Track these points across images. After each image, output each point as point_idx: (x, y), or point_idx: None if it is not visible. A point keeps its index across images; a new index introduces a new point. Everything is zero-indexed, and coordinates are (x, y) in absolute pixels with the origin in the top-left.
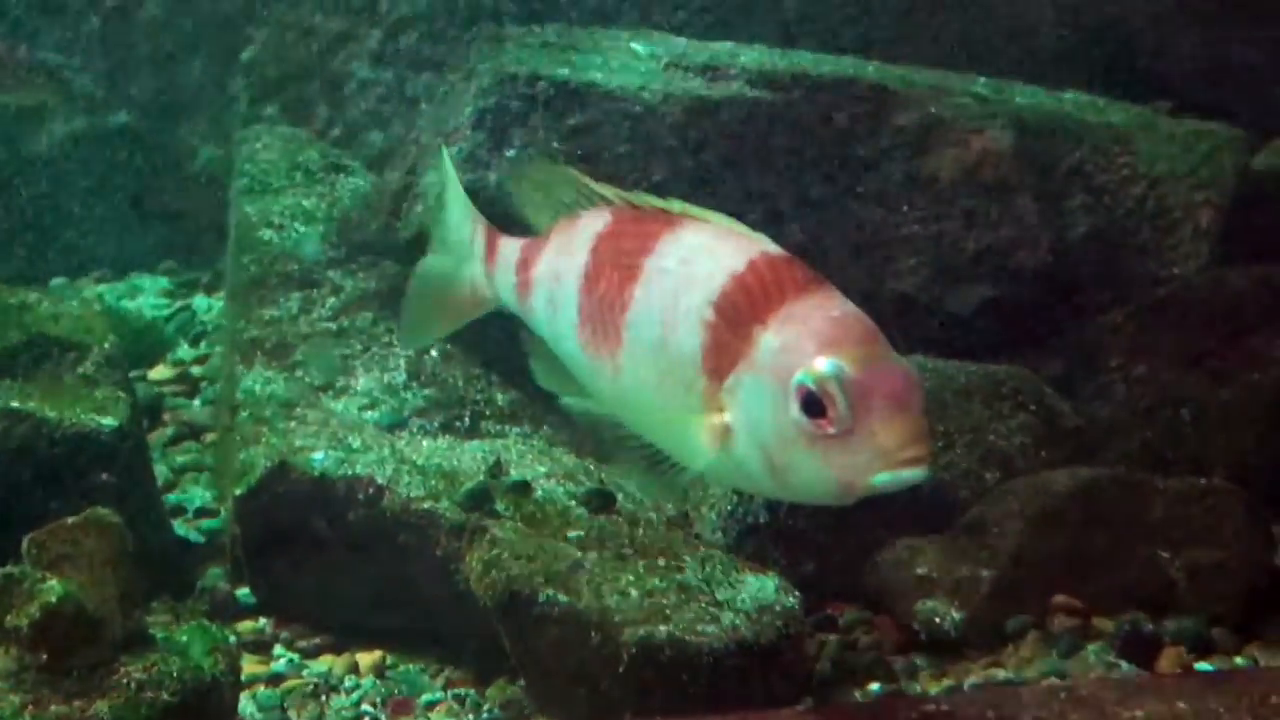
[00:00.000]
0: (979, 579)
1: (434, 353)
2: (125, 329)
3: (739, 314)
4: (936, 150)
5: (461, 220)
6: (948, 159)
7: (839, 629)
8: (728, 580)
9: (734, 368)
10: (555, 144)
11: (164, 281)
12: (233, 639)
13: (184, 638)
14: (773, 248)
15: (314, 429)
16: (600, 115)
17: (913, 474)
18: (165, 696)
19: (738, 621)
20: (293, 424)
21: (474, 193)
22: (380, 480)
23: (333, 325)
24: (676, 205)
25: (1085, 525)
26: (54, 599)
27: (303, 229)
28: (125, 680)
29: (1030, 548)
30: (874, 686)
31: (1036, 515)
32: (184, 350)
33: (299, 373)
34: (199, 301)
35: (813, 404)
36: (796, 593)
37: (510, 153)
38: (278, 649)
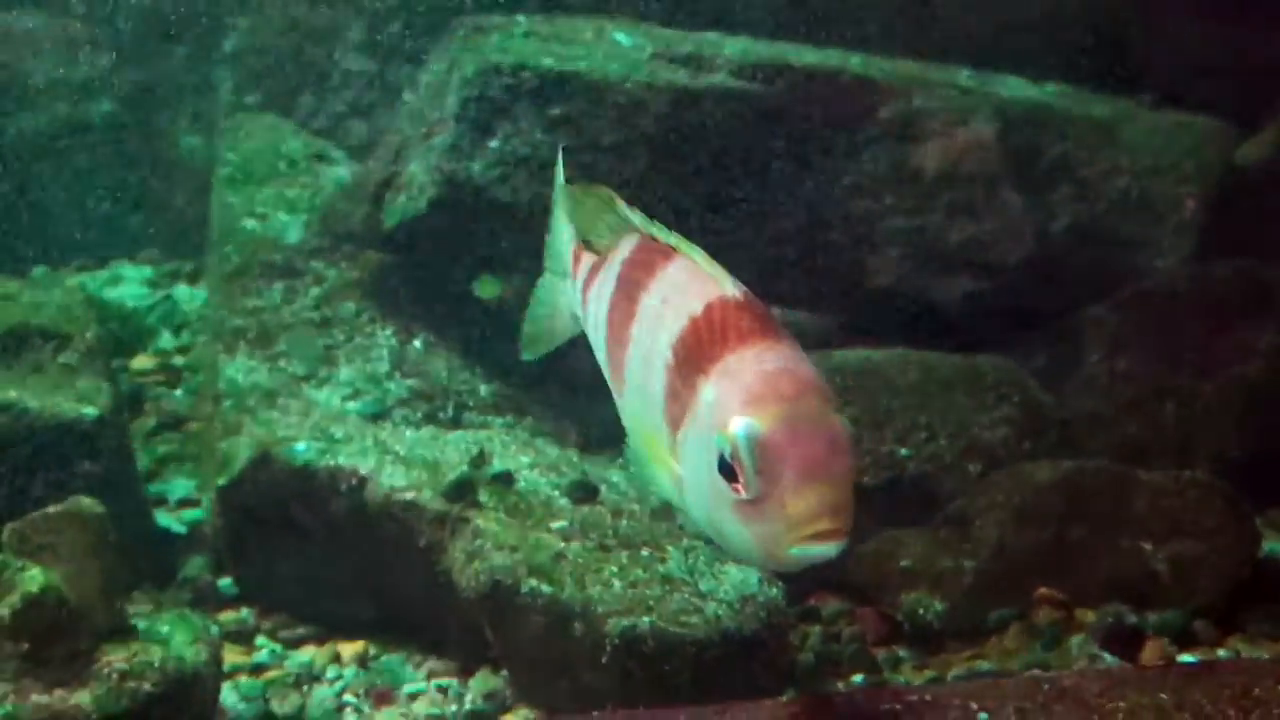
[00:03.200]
0: (962, 571)
1: (417, 343)
2: (107, 318)
3: (690, 362)
4: (920, 142)
5: (563, 234)
6: (931, 151)
7: (822, 620)
8: (711, 571)
9: (682, 419)
10: (539, 134)
11: (146, 271)
12: (215, 629)
13: (166, 628)
14: (732, 289)
15: (296, 419)
16: (584, 105)
17: (822, 550)
18: (147, 686)
19: (721, 612)
20: (275, 414)
21: (457, 183)
22: (363, 471)
23: (315, 315)
24: (663, 234)
25: (1068, 517)
26: (35, 588)
27: (285, 218)
28: (107, 670)
29: (1013, 540)
30: (857, 678)
31: (1019, 507)
32: (166, 340)
33: (281, 362)
34: (181, 291)
35: (726, 468)
36: (780, 584)
37: (494, 143)
38: (260, 639)
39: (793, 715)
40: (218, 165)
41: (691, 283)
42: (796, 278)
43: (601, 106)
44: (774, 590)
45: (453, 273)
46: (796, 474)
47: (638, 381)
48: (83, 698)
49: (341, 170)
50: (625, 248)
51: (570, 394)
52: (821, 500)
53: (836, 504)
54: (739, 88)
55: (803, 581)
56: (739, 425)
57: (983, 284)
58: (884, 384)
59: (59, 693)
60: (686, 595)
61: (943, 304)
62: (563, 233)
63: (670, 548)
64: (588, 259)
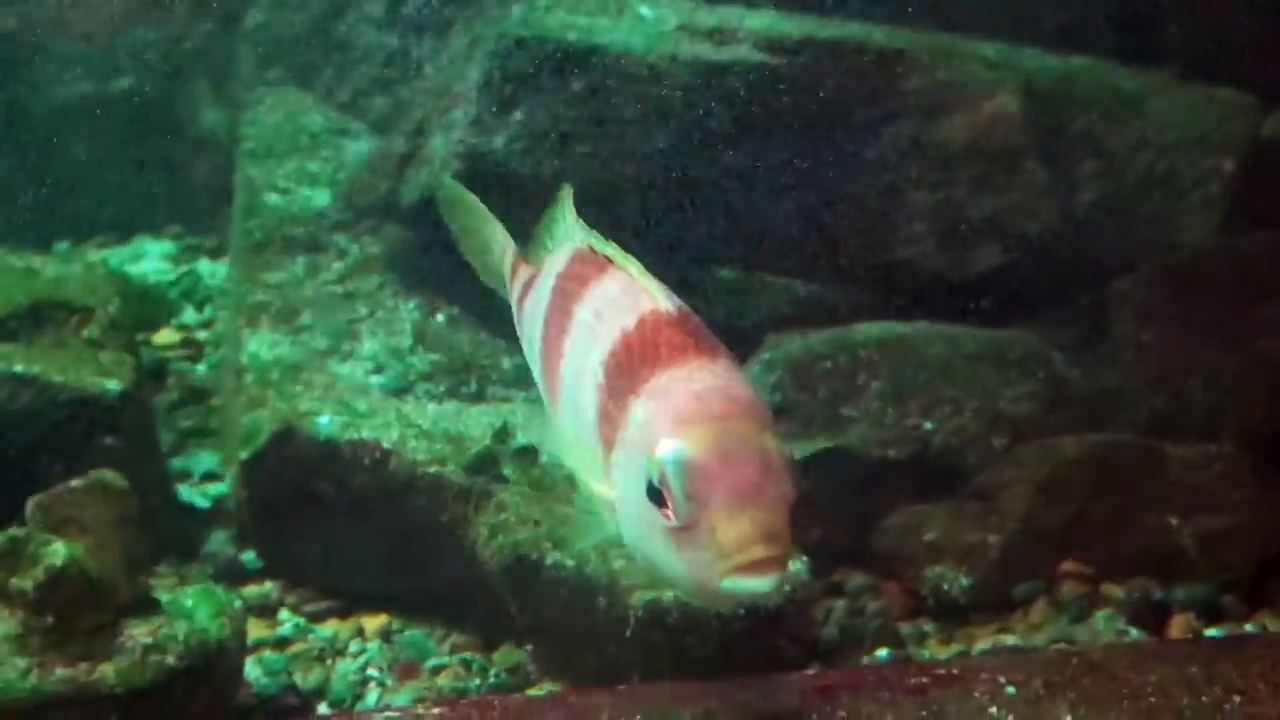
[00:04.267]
0: (987, 545)
1: (440, 317)
2: (129, 293)
3: (621, 381)
4: (945, 115)
5: (498, 245)
6: (956, 124)
7: (846, 594)
8: None
9: (613, 441)
10: (562, 108)
11: (168, 245)
12: (239, 603)
13: (190, 601)
14: (665, 303)
15: (319, 393)
16: (607, 79)
17: (756, 584)
18: (171, 660)
19: None
20: (298, 388)
21: (480, 156)
22: (386, 444)
23: (338, 289)
24: (599, 244)
25: (1094, 492)
26: (59, 562)
27: (308, 192)
28: (131, 643)
29: (1039, 514)
30: (882, 652)
31: (1045, 481)
32: (189, 314)
33: (304, 337)
34: (203, 266)
35: (656, 492)
36: (804, 558)
37: (516, 116)
38: (283, 613)
39: (820, 688)
40: (240, 140)
41: (624, 296)
42: (820, 251)
43: (624, 80)
44: (799, 565)
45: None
46: (727, 499)
47: (571, 399)
48: (106, 671)
49: (363, 144)
50: (561, 259)
51: None
52: (754, 527)
53: (770, 531)
54: (763, 60)
55: (826, 555)
56: (667, 448)
57: (1008, 258)
58: (908, 358)
59: (83, 666)
60: None
61: (967, 278)
62: (497, 244)
63: None
64: (524, 271)
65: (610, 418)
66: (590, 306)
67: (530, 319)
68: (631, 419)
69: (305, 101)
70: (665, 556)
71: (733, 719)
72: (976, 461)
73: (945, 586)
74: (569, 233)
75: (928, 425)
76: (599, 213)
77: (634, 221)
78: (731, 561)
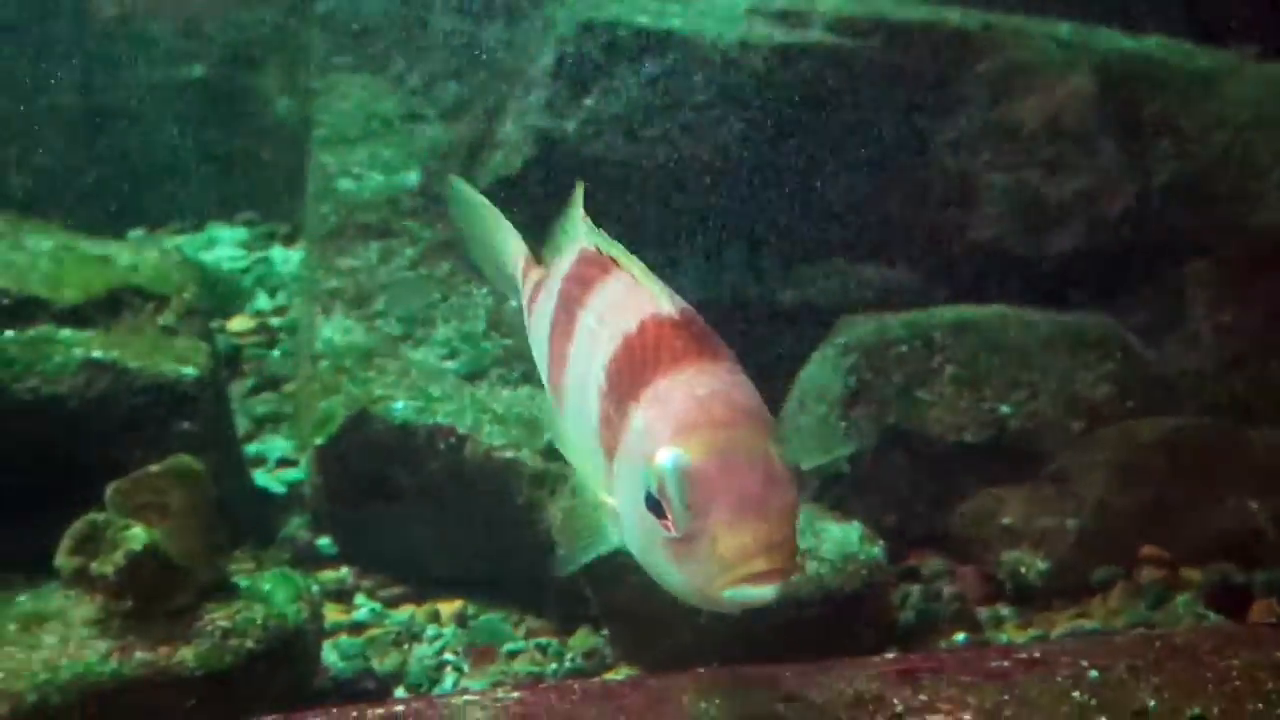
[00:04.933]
0: (1065, 529)
1: (514, 303)
2: (204, 280)
3: (622, 386)
4: (1018, 97)
5: (508, 248)
6: (1030, 105)
7: (922, 579)
8: (811, 529)
9: (614, 449)
10: (634, 92)
11: (242, 233)
12: (315, 588)
13: (268, 586)
14: (668, 306)
15: (394, 378)
16: (680, 63)
17: (758, 592)
18: (250, 644)
19: (822, 571)
20: (372, 373)
21: (552, 140)
22: (461, 429)
23: (412, 274)
24: (605, 245)
25: (1172, 475)
26: (138, 546)
27: (380, 178)
28: (210, 627)
29: (1116, 498)
30: (959, 637)
31: (1122, 465)
32: (262, 301)
33: (379, 322)
34: (276, 253)
35: (655, 502)
36: (881, 542)
37: (589, 101)
38: (359, 598)
39: (900, 671)
40: (312, 126)
41: (628, 300)
42: (894, 235)
43: (697, 64)
44: (875, 549)
45: (547, 231)
46: (728, 510)
47: (575, 405)
48: (186, 655)
49: (436, 130)
50: (567, 261)
51: None
52: (756, 538)
53: (772, 542)
54: (835, 43)
55: (902, 539)
56: (666, 457)
57: (1083, 240)
58: (983, 341)
59: (163, 650)
60: None
61: (1042, 260)
62: (508, 246)
63: None
64: (534, 274)
65: (612, 424)
66: (594, 310)
67: (538, 323)
68: (631, 426)
69: (377, 87)
70: (666, 567)
71: (813, 702)
72: (1053, 445)
73: (1022, 570)
74: (577, 233)
75: (1004, 409)
76: (670, 198)
77: (706, 207)
78: (732, 574)
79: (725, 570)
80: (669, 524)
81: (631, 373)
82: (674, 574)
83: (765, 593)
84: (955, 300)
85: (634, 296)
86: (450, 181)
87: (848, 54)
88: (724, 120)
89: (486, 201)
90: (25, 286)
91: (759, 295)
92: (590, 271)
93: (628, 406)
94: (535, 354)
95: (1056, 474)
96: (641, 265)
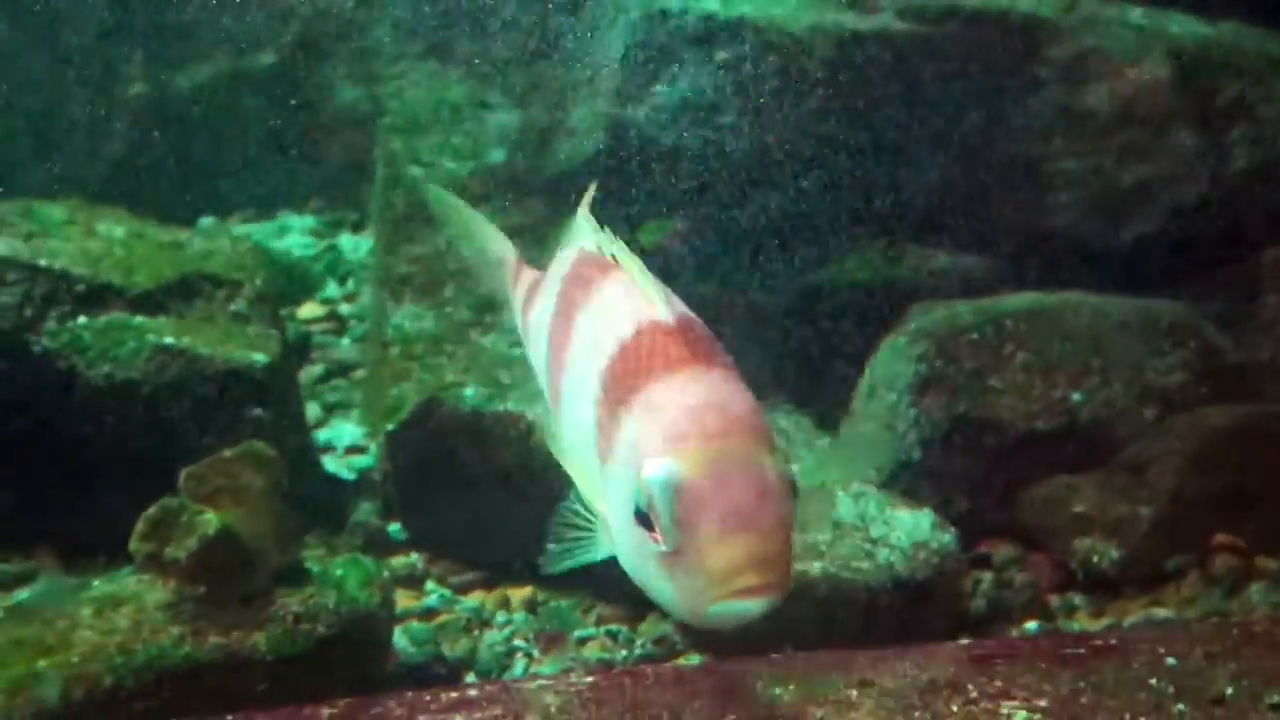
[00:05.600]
0: (1138, 517)
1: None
2: (274, 268)
3: (616, 393)
4: (1091, 83)
5: (497, 249)
6: (1103, 91)
7: (993, 567)
8: (882, 517)
9: (606, 456)
10: (705, 78)
11: (311, 220)
12: (386, 573)
13: (339, 571)
14: (664, 310)
15: (464, 365)
16: (750, 49)
17: (747, 606)
18: (322, 629)
19: (893, 559)
20: (443, 360)
21: (623, 127)
22: (531, 416)
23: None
24: (606, 244)
25: (1246, 463)
26: (212, 531)
27: (451, 165)
28: (282, 612)
29: (1190, 486)
30: (1030, 625)
31: (1196, 453)
32: (332, 289)
33: (448, 309)
34: (345, 240)
35: (644, 515)
36: (952, 529)
37: (659, 88)
38: (429, 584)
39: (976, 658)
40: (381, 114)
41: (625, 302)
42: (965, 221)
43: (767, 50)
44: (947, 536)
45: (618, 218)
46: (717, 524)
47: (571, 410)
48: (258, 640)
49: (505, 117)
50: (566, 262)
51: (743, 338)
52: (747, 554)
53: (764, 557)
54: (905, 29)
55: (973, 527)
56: (655, 469)
57: (1157, 227)
58: (1055, 328)
59: (235, 634)
60: (857, 541)
61: (1115, 247)
62: (496, 249)
63: (840, 493)
64: (528, 275)
65: (606, 431)
66: (592, 313)
67: (536, 326)
68: (622, 435)
69: (446, 75)
70: (654, 580)
71: (886, 687)
72: (1126, 433)
73: (1095, 559)
74: (578, 233)
75: (1076, 396)
76: (740, 185)
77: (776, 194)
78: (720, 590)
79: (713, 585)
80: (657, 537)
81: (625, 379)
82: (662, 588)
83: (751, 608)
84: (1027, 287)
85: (631, 300)
86: (429, 191)
87: (919, 40)
88: (794, 107)
89: (468, 207)
90: (98, 273)
91: (829, 282)
92: (590, 273)
93: (620, 414)
94: (532, 357)
95: (1129, 462)
96: (641, 267)
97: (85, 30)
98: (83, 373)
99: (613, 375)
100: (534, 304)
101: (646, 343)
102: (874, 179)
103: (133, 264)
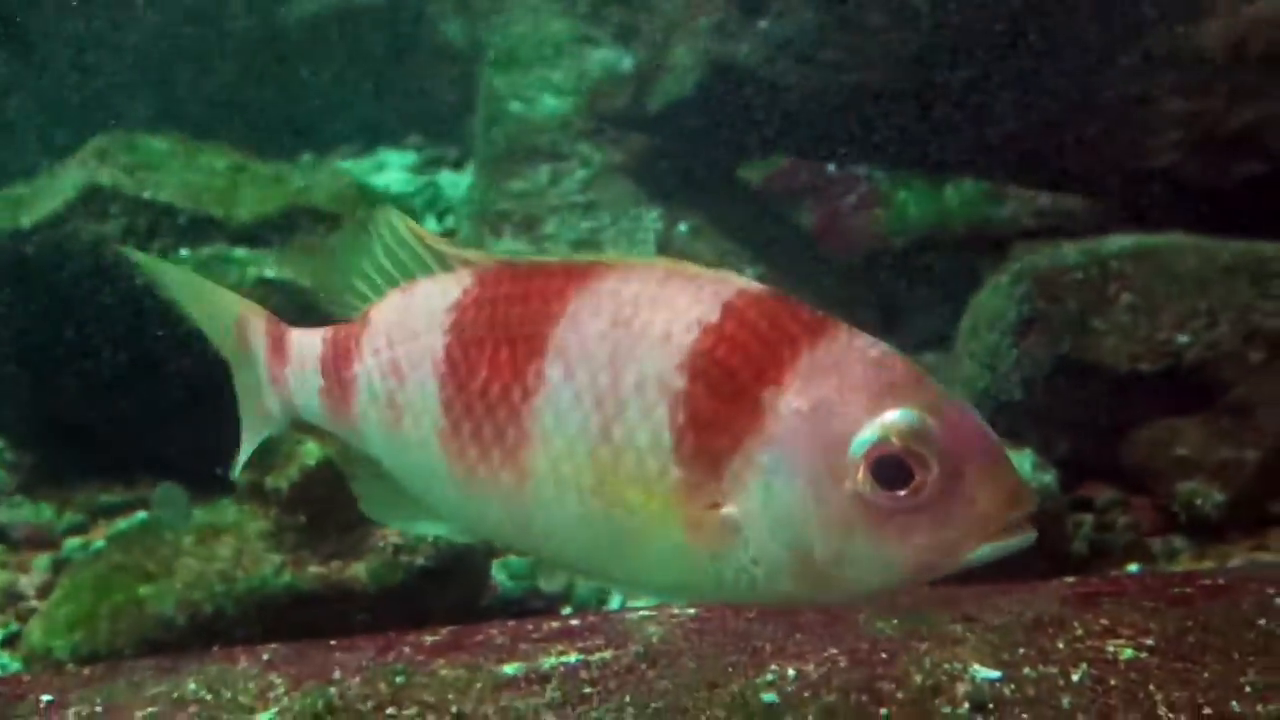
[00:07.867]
0: (1244, 461)
1: (682, 227)
2: (373, 203)
3: (732, 376)
4: (1202, 20)
5: (222, 310)
6: (1214, 30)
7: (1094, 510)
8: None
9: (737, 447)
10: (807, 15)
11: (410, 157)
12: None
13: None
14: (750, 284)
15: None
16: None
17: (1021, 540)
18: (421, 560)
19: None
20: None
21: (724, 64)
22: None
23: (581, 198)
24: (584, 254)
25: None
26: (313, 462)
27: (552, 101)
28: (382, 543)
29: None
30: (1132, 567)
31: None
32: (431, 224)
33: (547, 245)
34: (444, 177)
35: (889, 471)
36: (1053, 470)
37: (761, 24)
38: None
39: (1081, 595)
40: (483, 50)
41: (668, 290)
42: (1072, 161)
43: None
44: (1047, 477)
45: (718, 156)
46: (982, 462)
47: (580, 431)
48: (358, 570)
49: (607, 53)
50: (441, 290)
51: (837, 277)
52: (1013, 486)
53: (1025, 487)
54: None
55: (1074, 469)
56: (902, 417)
57: (1266, 167)
58: (1161, 269)
59: (335, 564)
60: None
61: (1223, 188)
62: (229, 310)
63: None
64: (307, 335)
65: (716, 424)
66: (595, 315)
67: (384, 380)
68: (785, 410)
69: (548, 11)
70: (872, 549)
71: (991, 623)
72: (1232, 376)
73: (1198, 502)
74: (432, 259)
75: (1181, 338)
76: (842, 122)
77: (878, 132)
78: (992, 527)
79: (985, 525)
80: (912, 492)
81: (748, 357)
82: (889, 552)
83: (1027, 539)
84: (1133, 228)
85: (680, 286)
86: (131, 256)
87: None
88: (898, 44)
89: (185, 268)
90: (200, 205)
91: (934, 222)
92: (538, 284)
93: (759, 394)
94: (374, 423)
95: (1235, 405)
96: (667, 259)
97: None
98: None
99: (714, 360)
100: (362, 358)
101: (756, 315)
102: (977, 118)
103: (234, 197)
